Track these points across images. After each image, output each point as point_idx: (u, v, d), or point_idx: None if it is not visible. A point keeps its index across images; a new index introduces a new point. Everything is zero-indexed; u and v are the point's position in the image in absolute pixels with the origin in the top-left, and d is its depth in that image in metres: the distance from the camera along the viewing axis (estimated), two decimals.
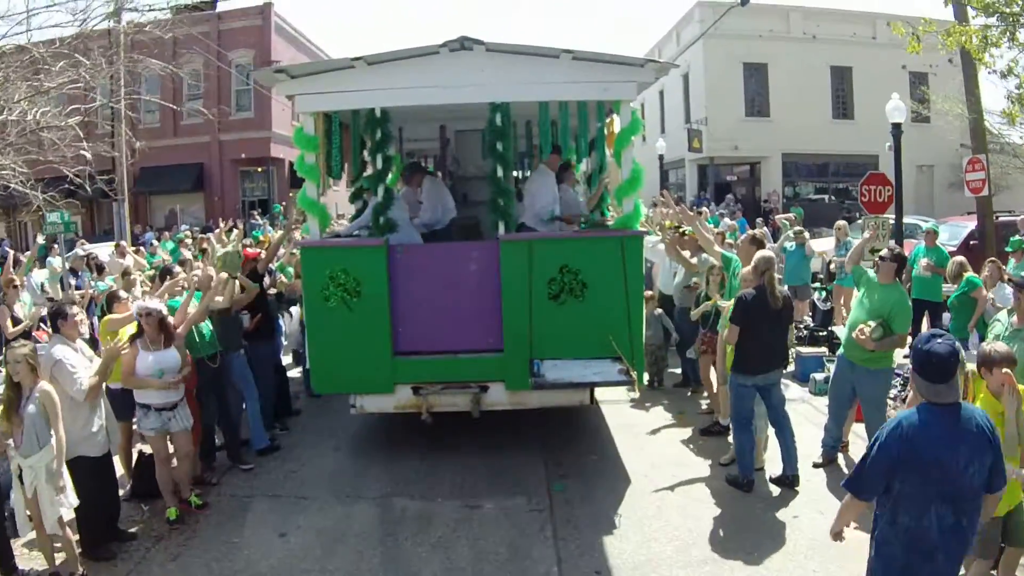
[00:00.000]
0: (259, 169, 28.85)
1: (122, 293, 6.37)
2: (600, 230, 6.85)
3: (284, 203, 26.60)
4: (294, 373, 9.33)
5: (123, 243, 13.43)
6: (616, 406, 7.91)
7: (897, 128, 12.35)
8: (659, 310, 8.70)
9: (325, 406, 8.21)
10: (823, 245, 13.80)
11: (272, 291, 7.93)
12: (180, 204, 29.24)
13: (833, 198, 29.32)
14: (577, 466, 6.42)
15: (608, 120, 6.97)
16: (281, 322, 8.83)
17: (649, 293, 8.40)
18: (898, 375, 6.70)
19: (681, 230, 7.73)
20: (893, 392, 6.59)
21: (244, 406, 6.87)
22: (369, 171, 7.16)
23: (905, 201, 28.14)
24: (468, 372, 6.25)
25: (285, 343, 9.08)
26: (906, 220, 16.57)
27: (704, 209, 17.30)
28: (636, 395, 6.88)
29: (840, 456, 6.32)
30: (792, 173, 30.01)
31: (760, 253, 5.61)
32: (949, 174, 27.86)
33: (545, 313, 6.06)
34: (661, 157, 27.56)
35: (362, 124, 6.60)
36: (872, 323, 5.48)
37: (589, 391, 6.43)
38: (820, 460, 6.17)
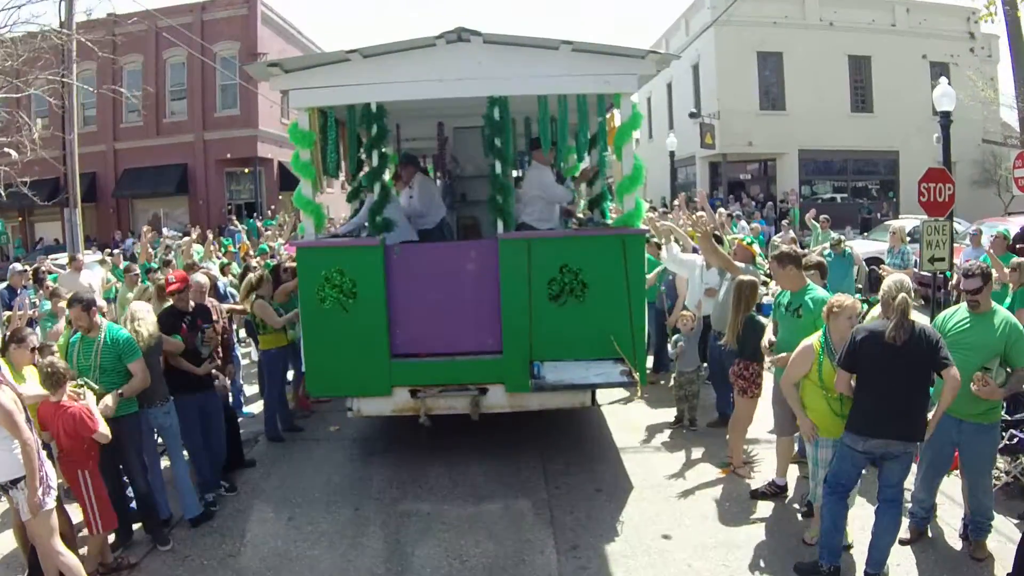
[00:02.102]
0: (246, 170, 29.12)
1: (27, 330, 5.44)
2: (601, 228, 7.07)
3: (273, 206, 26.79)
4: (257, 406, 8.71)
5: (79, 256, 12.51)
6: (642, 456, 7.04)
7: (946, 117, 11.85)
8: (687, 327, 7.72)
9: (287, 453, 7.44)
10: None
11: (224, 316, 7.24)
12: (164, 208, 29.52)
13: (847, 197, 29.51)
14: (600, 556, 5.24)
15: (608, 115, 7.20)
16: (238, 352, 8.57)
17: (688, 313, 7.76)
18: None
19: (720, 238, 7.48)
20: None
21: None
22: (366, 169, 7.36)
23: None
24: (467, 374, 6.47)
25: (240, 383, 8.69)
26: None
27: (721, 210, 17.40)
28: (638, 395, 6.77)
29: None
30: (809, 170, 30.29)
31: (893, 277, 4.70)
32: (972, 171, 28.10)
33: (545, 313, 6.29)
34: (672, 154, 27.81)
35: (358, 120, 6.83)
36: (989, 367, 4.64)
37: (591, 393, 6.66)
38: (908, 536, 5.19)
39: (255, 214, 26.60)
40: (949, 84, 12.25)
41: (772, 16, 28.31)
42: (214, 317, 6.65)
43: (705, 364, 7.99)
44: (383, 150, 6.77)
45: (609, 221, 7.49)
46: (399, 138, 9.59)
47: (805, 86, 28.51)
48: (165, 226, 25.44)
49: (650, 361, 9.32)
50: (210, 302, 6.89)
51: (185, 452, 6.10)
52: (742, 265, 6.87)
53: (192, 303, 6.40)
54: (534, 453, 7.04)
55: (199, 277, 6.99)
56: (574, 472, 6.66)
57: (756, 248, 7.62)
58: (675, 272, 8.55)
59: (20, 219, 29.16)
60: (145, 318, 5.74)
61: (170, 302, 6.44)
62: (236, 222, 22.87)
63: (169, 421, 5.88)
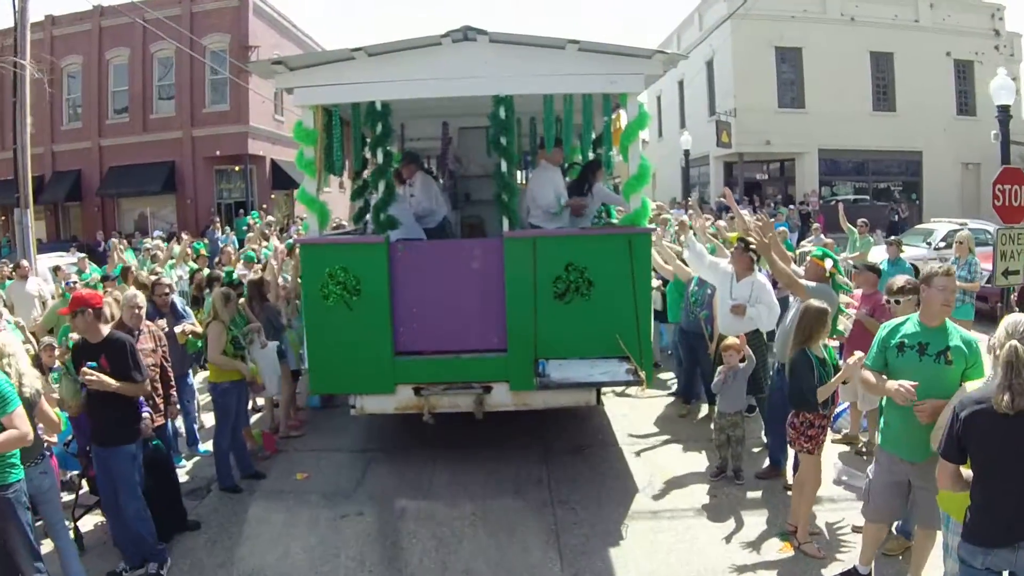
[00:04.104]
0: (236, 168, 29.45)
1: None
2: (607, 227, 7.47)
3: (265, 206, 27.09)
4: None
5: (24, 263, 11.70)
6: (681, 523, 6.03)
7: (1004, 112, 11.53)
8: (742, 363, 6.72)
9: (241, 511, 6.54)
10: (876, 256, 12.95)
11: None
12: (150, 207, 29.89)
13: (867, 199, 29.86)
14: None
15: (615, 115, 7.61)
16: (191, 380, 8.13)
17: (735, 342, 6.77)
18: None
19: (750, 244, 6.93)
20: None
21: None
22: (370, 168, 7.77)
23: (950, 202, 28.85)
24: (471, 372, 6.87)
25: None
26: (973, 226, 16.81)
27: (744, 212, 17.43)
28: (644, 393, 6.56)
29: None
30: (828, 170, 30.74)
31: (1009, 319, 3.71)
32: (998, 172, 28.46)
33: (550, 312, 6.69)
34: (687, 152, 28.22)
35: (362, 118, 7.24)
36: None
37: (595, 392, 7.08)
38: None
39: (250, 212, 26.82)
40: (970, 82, 12.40)
41: (791, 10, 28.77)
42: (149, 344, 6.20)
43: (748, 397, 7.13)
44: (388, 148, 7.17)
45: (615, 220, 7.89)
46: (403, 137, 10.04)
47: (825, 83, 28.96)
48: (154, 228, 25.74)
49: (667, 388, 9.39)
50: (147, 326, 6.36)
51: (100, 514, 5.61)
52: (811, 284, 6.22)
53: (105, 331, 5.34)
54: (546, 520, 6.15)
55: (134, 295, 6.27)
56: (596, 549, 5.64)
57: (829, 263, 6.61)
58: (703, 276, 7.77)
59: (3, 218, 29.55)
60: (17, 354, 4.68)
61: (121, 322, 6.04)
62: (219, 226, 22.84)
63: (47, 482, 4.90)
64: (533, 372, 6.63)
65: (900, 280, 5.98)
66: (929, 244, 17.31)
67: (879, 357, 4.61)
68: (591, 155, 9.15)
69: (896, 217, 26.76)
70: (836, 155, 30.47)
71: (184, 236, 15.58)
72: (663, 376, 9.92)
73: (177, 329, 7.41)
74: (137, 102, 29.17)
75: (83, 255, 15.22)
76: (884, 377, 4.54)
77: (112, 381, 5.07)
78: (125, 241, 19.56)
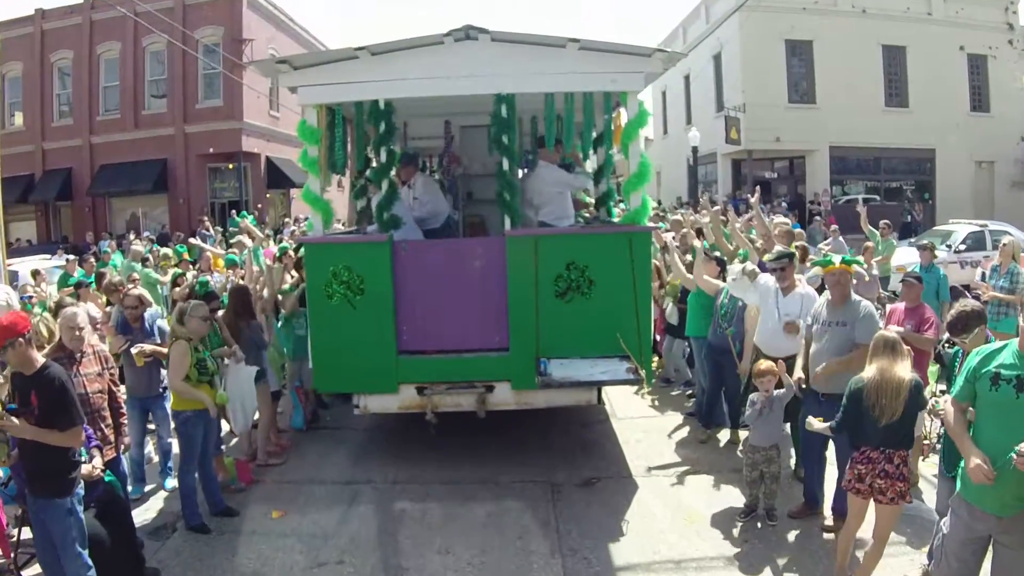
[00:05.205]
0: (230, 166, 29.64)
1: None
2: (607, 226, 7.75)
3: (261, 206, 27.24)
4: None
5: None
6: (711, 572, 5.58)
7: None
8: (780, 389, 6.14)
9: (208, 555, 6.01)
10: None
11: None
12: (142, 207, 30.17)
13: (876, 198, 29.98)
14: None
15: (615, 114, 7.89)
16: (167, 405, 7.22)
17: (769, 366, 6.10)
18: None
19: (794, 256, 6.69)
20: None
21: None
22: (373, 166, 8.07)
23: (962, 201, 28.98)
24: (473, 371, 7.17)
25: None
26: (992, 227, 17.01)
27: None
28: (645, 392, 6.68)
29: None
30: (839, 168, 30.89)
31: None
32: (1012, 171, 28.67)
33: (552, 311, 6.98)
34: (695, 149, 28.38)
35: (365, 116, 7.54)
36: None
37: (596, 390, 7.36)
38: None
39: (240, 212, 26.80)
40: (983, 78, 12.42)
41: (801, 1, 28.91)
42: (94, 368, 5.62)
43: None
44: (391, 147, 7.47)
45: (616, 219, 8.17)
46: (406, 136, 10.36)
47: (836, 77, 29.07)
48: (145, 228, 25.87)
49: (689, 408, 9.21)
50: (91, 346, 5.76)
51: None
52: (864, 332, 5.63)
53: (40, 360, 4.68)
54: (554, 572, 5.66)
55: (73, 315, 5.61)
56: None
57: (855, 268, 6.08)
58: (740, 296, 7.22)
59: None
60: None
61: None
62: (209, 226, 22.92)
63: None
64: (535, 371, 6.89)
65: (962, 312, 5.26)
66: (949, 247, 17.04)
67: (966, 387, 4.06)
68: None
69: (909, 218, 26.82)
70: (847, 152, 30.57)
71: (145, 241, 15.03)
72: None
73: (134, 349, 6.82)
74: (128, 98, 29.42)
75: (72, 257, 14.86)
76: (969, 420, 4.11)
77: (16, 425, 4.42)
78: (114, 243, 19.80)
